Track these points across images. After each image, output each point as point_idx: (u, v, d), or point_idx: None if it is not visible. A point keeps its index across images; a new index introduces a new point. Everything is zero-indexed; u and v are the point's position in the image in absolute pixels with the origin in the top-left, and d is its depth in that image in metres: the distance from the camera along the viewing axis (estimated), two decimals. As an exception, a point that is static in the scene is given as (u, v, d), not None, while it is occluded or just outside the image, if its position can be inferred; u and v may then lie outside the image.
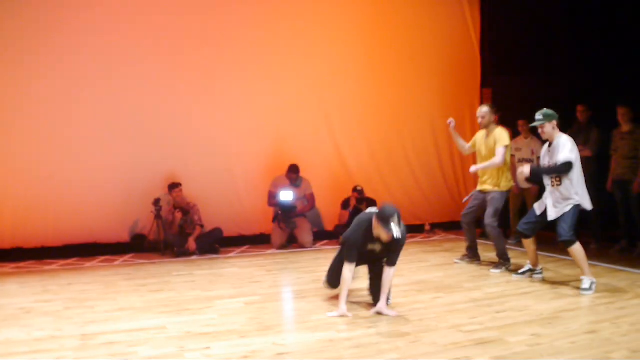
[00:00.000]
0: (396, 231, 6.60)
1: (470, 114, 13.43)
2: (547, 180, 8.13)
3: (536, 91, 12.29)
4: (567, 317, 6.68)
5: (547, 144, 8.28)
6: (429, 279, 8.64)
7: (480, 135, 9.52)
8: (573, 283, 8.19)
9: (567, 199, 7.93)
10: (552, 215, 8.03)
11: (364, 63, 12.52)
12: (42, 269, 9.66)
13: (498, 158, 9.04)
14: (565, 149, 7.91)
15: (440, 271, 9.14)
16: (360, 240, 6.88)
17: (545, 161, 8.24)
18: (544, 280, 8.40)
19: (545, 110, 8.09)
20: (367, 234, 6.85)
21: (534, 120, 8.40)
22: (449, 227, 12.97)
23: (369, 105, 12.56)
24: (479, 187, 9.55)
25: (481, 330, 6.24)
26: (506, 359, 5.39)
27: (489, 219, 9.25)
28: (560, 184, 7.94)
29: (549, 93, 11.63)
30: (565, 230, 7.86)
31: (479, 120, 9.43)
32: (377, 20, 12.60)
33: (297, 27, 11.98)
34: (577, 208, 7.95)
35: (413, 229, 12.72)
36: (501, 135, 9.19)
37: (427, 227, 12.67)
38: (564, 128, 10.13)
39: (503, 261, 9.22)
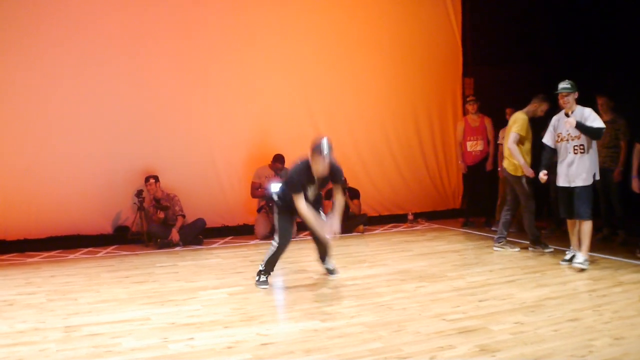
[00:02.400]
0: (326, 148, 7.45)
1: (452, 103, 13.49)
2: (569, 149, 8.42)
3: (517, 81, 12.36)
4: (550, 305, 6.71)
5: (561, 114, 8.57)
6: (412, 268, 8.66)
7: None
8: (556, 271, 8.25)
9: (587, 167, 8.32)
10: (565, 182, 8.49)
11: (346, 54, 12.52)
12: (24, 262, 9.63)
13: None
14: (597, 117, 8.31)
15: (424, 260, 9.16)
16: (303, 178, 7.60)
17: (561, 130, 8.52)
18: (527, 268, 8.44)
19: (570, 81, 8.42)
20: (308, 172, 7.61)
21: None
22: (432, 216, 13.03)
23: (352, 96, 12.58)
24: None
25: (464, 319, 6.26)
26: (489, 347, 5.41)
27: None
28: (584, 152, 8.32)
29: (530, 82, 11.67)
30: (585, 211, 8.33)
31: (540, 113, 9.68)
32: (360, 11, 12.61)
33: (280, 18, 11.98)
34: (591, 186, 8.38)
35: (396, 219, 12.77)
36: None
37: (410, 217, 12.68)
38: (546, 117, 10.23)
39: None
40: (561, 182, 8.56)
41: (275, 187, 11.20)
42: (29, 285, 8.04)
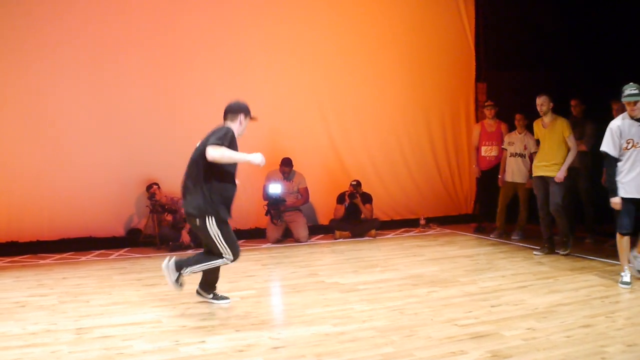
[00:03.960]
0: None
1: (465, 108, 13.46)
2: None
3: (530, 85, 12.29)
4: (562, 311, 6.68)
5: (623, 118, 7.96)
6: (424, 273, 8.64)
7: (538, 126, 9.91)
8: (568, 277, 8.22)
9: None
10: (637, 194, 7.79)
11: (358, 58, 12.50)
12: (37, 263, 9.65)
13: (574, 148, 9.61)
14: None
15: (436, 265, 9.14)
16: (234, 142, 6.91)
17: (632, 136, 7.81)
18: (539, 274, 8.41)
19: (636, 84, 7.73)
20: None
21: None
22: (444, 221, 13.00)
23: (364, 100, 12.56)
24: (540, 173, 9.76)
25: (476, 324, 6.24)
26: (501, 353, 5.39)
27: (559, 202, 9.59)
28: None
29: (543, 87, 11.63)
30: None
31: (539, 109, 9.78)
32: (372, 15, 12.59)
33: (292, 23, 11.96)
34: None
35: (408, 223, 12.74)
36: (567, 124, 9.72)
37: (422, 222, 12.66)
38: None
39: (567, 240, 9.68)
40: (632, 193, 7.82)
41: (273, 187, 11.22)
42: (41, 287, 8.06)
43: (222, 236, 6.76)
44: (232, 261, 6.88)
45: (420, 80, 13.00)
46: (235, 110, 6.98)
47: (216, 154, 6.57)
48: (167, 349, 5.61)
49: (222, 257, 6.83)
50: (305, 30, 12.07)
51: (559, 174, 9.47)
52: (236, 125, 6.99)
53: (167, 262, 6.84)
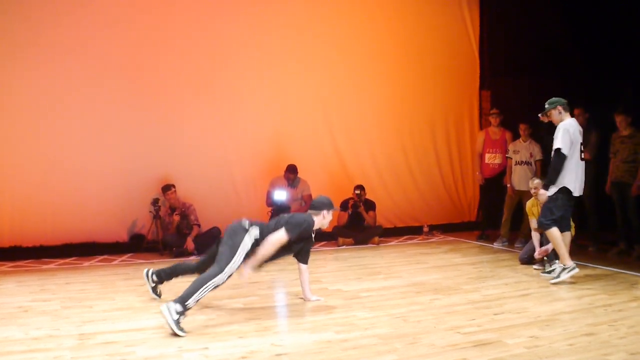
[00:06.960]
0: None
1: (469, 115, 13.47)
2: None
3: (534, 93, 12.29)
4: (565, 319, 6.67)
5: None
6: (427, 280, 8.63)
7: None
8: (571, 285, 8.20)
9: None
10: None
11: (363, 65, 12.53)
12: (40, 268, 9.65)
13: None
14: (556, 139, 8.26)
15: (439, 273, 9.13)
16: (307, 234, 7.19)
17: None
18: (542, 282, 8.40)
19: (551, 99, 8.54)
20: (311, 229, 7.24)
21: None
22: (447, 228, 13.00)
23: (369, 107, 12.59)
24: None
25: (479, 332, 6.23)
26: (504, 361, 5.40)
27: None
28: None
29: (547, 95, 11.61)
30: None
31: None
32: (377, 22, 12.63)
33: (296, 28, 12.00)
34: None
35: (411, 231, 12.74)
36: None
37: (426, 229, 12.66)
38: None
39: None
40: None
41: (278, 194, 11.21)
42: (43, 292, 8.06)
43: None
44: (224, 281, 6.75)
45: (424, 87, 13.03)
46: (318, 207, 7.29)
47: (268, 245, 6.90)
48: (170, 355, 5.60)
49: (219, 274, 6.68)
50: (311, 37, 12.12)
51: None
52: (319, 218, 7.24)
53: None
